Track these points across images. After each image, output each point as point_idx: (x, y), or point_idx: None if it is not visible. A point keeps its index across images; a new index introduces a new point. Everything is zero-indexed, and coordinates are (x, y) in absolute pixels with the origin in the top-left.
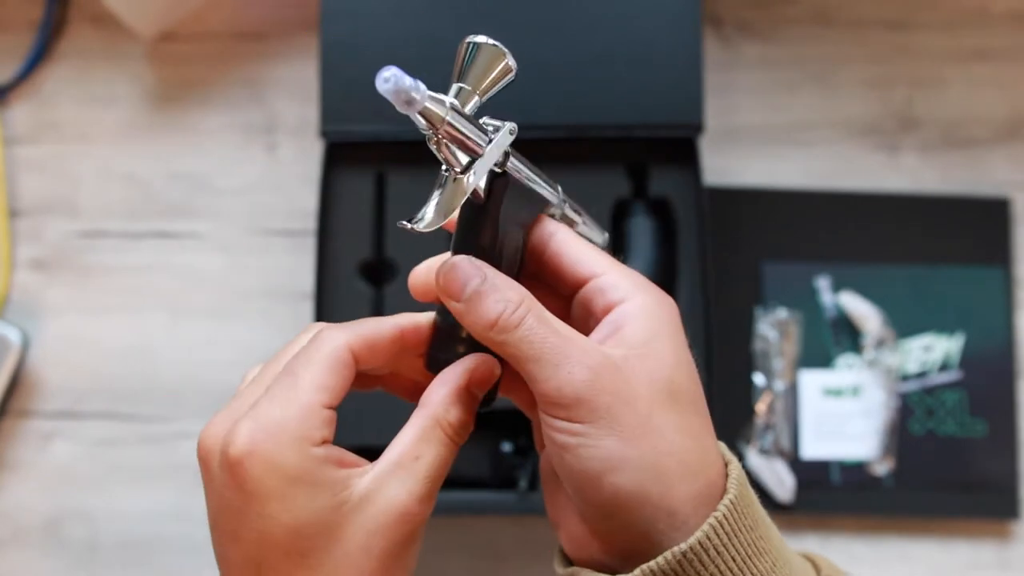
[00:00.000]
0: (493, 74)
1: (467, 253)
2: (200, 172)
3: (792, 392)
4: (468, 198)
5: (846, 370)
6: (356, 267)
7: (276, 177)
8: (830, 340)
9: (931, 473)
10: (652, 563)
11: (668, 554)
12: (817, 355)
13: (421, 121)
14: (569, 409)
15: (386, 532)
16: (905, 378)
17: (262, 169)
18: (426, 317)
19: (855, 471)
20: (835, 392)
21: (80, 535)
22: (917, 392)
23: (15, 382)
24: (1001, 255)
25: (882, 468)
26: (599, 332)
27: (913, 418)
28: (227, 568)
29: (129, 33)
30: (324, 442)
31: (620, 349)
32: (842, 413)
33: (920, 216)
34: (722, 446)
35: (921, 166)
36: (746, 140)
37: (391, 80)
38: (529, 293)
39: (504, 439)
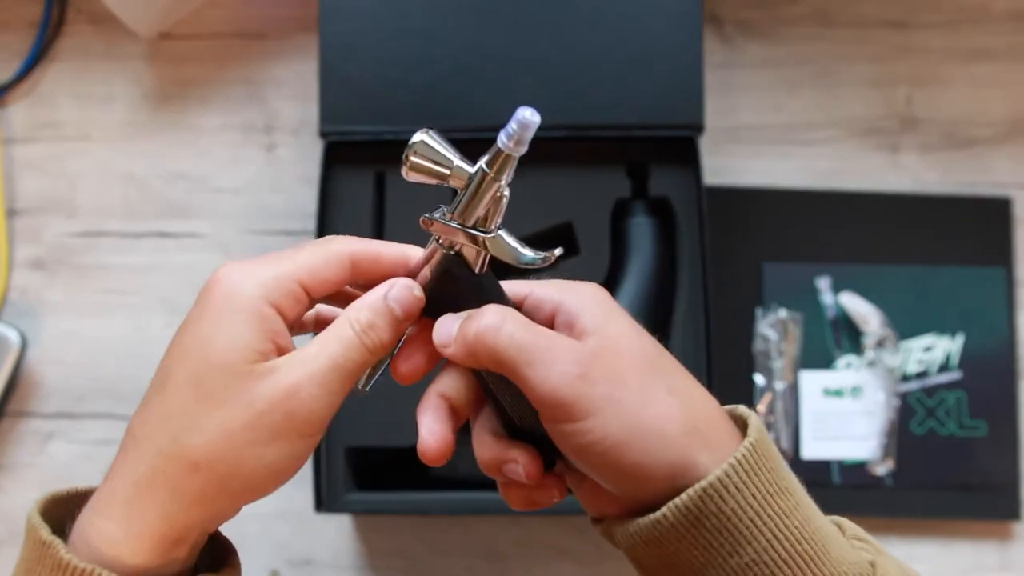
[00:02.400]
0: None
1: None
2: (199, 172)
3: (792, 392)
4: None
5: (846, 370)
6: None
7: (275, 177)
8: (830, 340)
9: (932, 474)
10: (677, 500)
11: (691, 490)
12: (817, 355)
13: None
14: (570, 408)
15: (273, 400)
16: (905, 378)
17: (261, 169)
18: (385, 248)
19: (855, 472)
20: (835, 392)
21: None
22: (917, 392)
23: (14, 383)
24: (1002, 255)
25: (882, 469)
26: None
27: (914, 418)
28: (167, 384)
29: (128, 33)
30: (279, 310)
31: (589, 339)
32: (842, 413)
33: (921, 216)
34: (741, 407)
35: (922, 166)
36: (746, 140)
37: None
38: (510, 309)
39: None
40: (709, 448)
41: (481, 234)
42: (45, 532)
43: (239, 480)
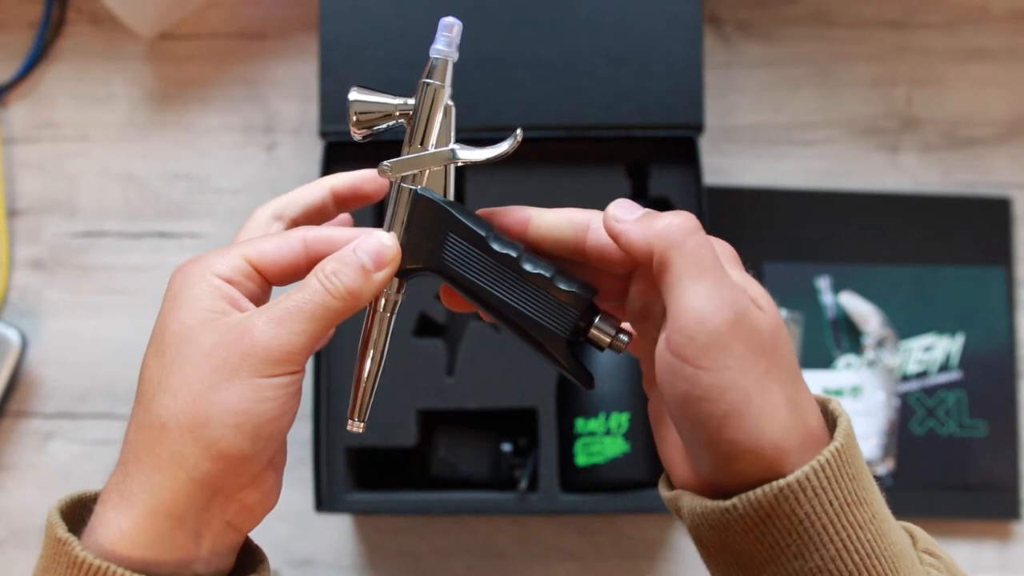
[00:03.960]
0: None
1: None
2: (199, 172)
3: None
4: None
5: (846, 370)
6: None
7: (275, 177)
8: (831, 340)
9: (932, 473)
10: (750, 493)
11: (766, 487)
12: (818, 355)
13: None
14: (704, 349)
15: (228, 342)
16: (905, 378)
17: (261, 169)
18: (341, 232)
19: None
20: (835, 392)
21: None
22: (917, 392)
23: (14, 382)
24: (1001, 255)
25: (883, 468)
26: None
27: (914, 418)
28: (141, 369)
29: (128, 33)
30: (229, 281)
31: (761, 309)
32: None
33: (920, 216)
34: (834, 401)
35: (921, 166)
36: (746, 140)
37: None
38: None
39: (504, 439)
40: (798, 447)
41: (446, 149)
42: (61, 530)
43: (206, 430)
